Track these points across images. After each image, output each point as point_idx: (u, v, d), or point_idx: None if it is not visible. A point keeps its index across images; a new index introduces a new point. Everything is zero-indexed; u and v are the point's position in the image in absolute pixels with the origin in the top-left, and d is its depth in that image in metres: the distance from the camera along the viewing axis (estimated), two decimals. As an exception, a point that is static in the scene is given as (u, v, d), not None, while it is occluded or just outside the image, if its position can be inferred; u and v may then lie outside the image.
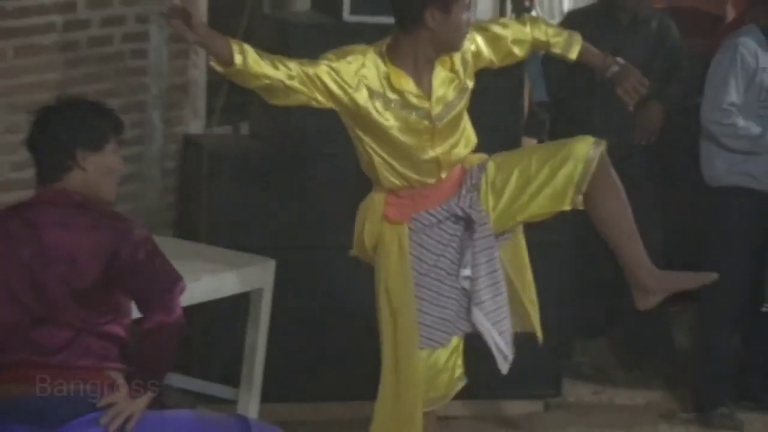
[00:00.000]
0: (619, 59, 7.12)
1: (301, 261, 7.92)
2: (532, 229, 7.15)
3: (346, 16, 8.42)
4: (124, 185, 6.74)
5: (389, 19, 7.76)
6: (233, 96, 8.97)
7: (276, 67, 6.20)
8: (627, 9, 8.99)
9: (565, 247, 7.56)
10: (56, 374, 5.58)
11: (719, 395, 8.56)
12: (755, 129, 8.31)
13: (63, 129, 5.77)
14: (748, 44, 8.30)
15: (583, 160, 6.63)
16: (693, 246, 9.07)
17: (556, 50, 6.97)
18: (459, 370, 6.85)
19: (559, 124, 8.44)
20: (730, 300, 8.55)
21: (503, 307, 6.88)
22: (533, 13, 9.92)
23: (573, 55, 6.97)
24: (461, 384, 6.93)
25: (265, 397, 7.86)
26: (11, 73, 7.83)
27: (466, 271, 6.71)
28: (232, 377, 7.88)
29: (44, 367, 5.59)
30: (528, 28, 6.83)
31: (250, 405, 7.74)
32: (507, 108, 8.55)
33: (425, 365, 6.69)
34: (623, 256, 6.83)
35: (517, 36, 6.81)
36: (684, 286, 7.03)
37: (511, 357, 6.90)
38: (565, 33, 6.95)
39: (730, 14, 8.74)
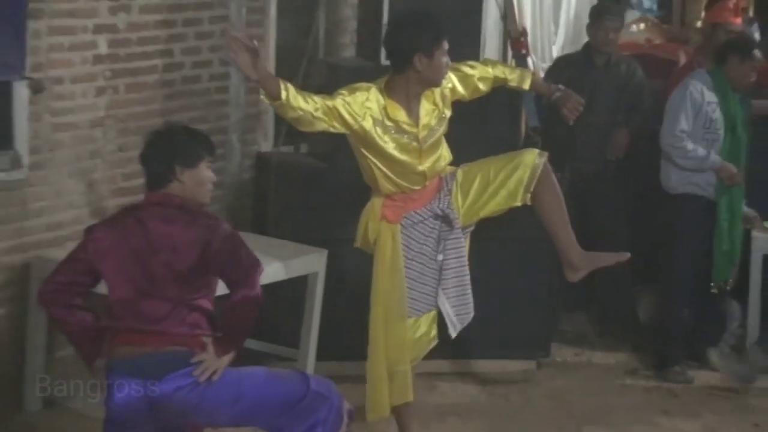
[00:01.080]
0: (561, 86, 7.28)
1: (348, 250, 7.84)
2: (527, 226, 7.39)
3: (383, 60, 8.12)
4: (221, 191, 6.79)
5: None
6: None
7: (306, 101, 6.31)
8: (602, 53, 8.98)
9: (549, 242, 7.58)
10: (159, 338, 5.68)
11: (674, 356, 8.57)
12: (701, 152, 8.29)
13: (165, 149, 5.84)
14: (696, 84, 8.30)
15: (530, 167, 6.80)
16: (653, 240, 9.15)
17: (513, 84, 7.15)
18: (433, 333, 6.95)
19: (548, 144, 8.42)
20: (684, 282, 8.60)
21: (466, 291, 7.02)
22: (529, 60, 9.92)
23: (526, 86, 7.20)
24: (434, 343, 7.05)
25: (319, 356, 7.93)
26: (122, 104, 7.88)
27: (440, 256, 6.86)
28: (293, 340, 7.95)
29: (149, 333, 5.68)
30: (490, 68, 7.07)
31: (308, 362, 7.83)
32: (508, 132, 8.47)
33: (411, 330, 6.83)
34: (558, 239, 7.01)
35: (482, 75, 7.01)
36: (603, 263, 7.12)
37: (459, 327, 7.04)
38: (518, 70, 7.28)
39: (682, 60, 8.72)
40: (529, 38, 10.06)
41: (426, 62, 6.56)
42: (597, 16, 9.36)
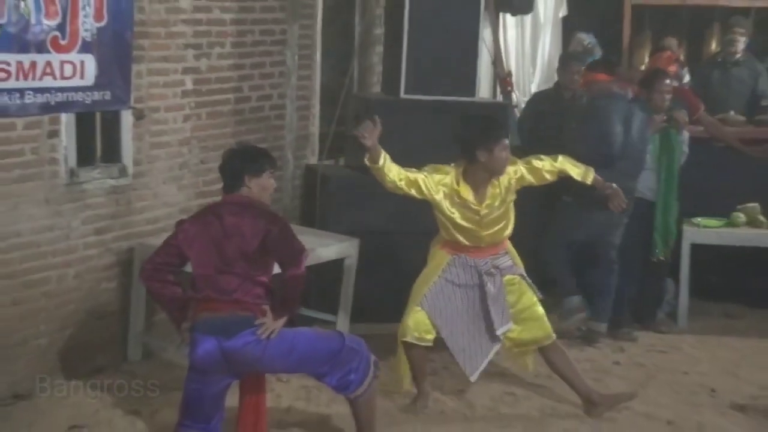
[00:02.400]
0: (613, 185, 7.13)
1: (374, 240, 7.94)
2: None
3: (402, 94, 8.37)
4: (278, 195, 6.82)
5: (429, 97, 8.30)
6: (334, 142, 8.95)
7: (394, 172, 6.40)
8: (568, 89, 8.85)
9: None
10: (231, 305, 5.72)
11: (622, 320, 8.43)
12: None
13: (237, 162, 5.88)
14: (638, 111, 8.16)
15: (545, 336, 6.83)
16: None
17: (578, 178, 6.92)
18: (429, 336, 6.70)
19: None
20: (631, 260, 8.41)
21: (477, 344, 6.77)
22: (513, 95, 9.84)
23: (588, 181, 6.96)
24: (428, 341, 6.73)
25: (353, 320, 7.92)
26: (203, 128, 7.91)
27: (490, 287, 6.72)
28: (333, 308, 7.91)
29: (224, 302, 5.72)
30: (558, 164, 6.80)
31: (344, 325, 7.82)
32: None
33: (418, 316, 6.69)
34: (577, 388, 6.83)
35: (549, 168, 6.78)
36: (620, 402, 6.89)
37: (472, 377, 6.78)
38: (583, 167, 6.94)
39: (632, 93, 8.69)
40: (513, 78, 10.04)
41: (487, 155, 6.48)
42: (564, 61, 9.32)
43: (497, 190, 6.64)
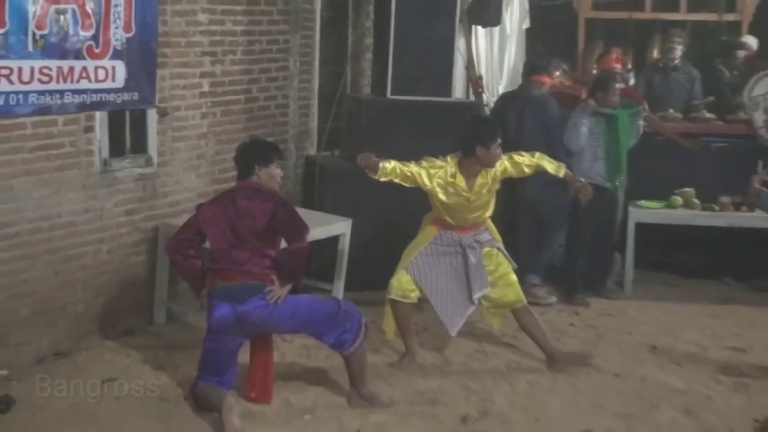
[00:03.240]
0: (582, 179, 7.18)
1: (364, 220, 7.92)
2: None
3: (389, 95, 8.37)
4: (283, 182, 6.80)
5: (414, 98, 8.31)
6: (331, 137, 8.92)
7: (391, 172, 6.48)
8: (528, 91, 8.66)
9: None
10: (243, 275, 5.75)
11: (576, 288, 8.47)
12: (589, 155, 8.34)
13: (248, 154, 5.92)
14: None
15: (517, 299, 6.85)
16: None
17: (552, 172, 6.88)
18: (412, 294, 6.72)
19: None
20: (584, 236, 8.45)
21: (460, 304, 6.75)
22: (483, 95, 9.76)
23: (561, 174, 6.95)
24: (412, 299, 6.76)
25: (347, 287, 7.89)
26: (218, 124, 7.87)
27: (472, 258, 6.72)
28: (330, 278, 7.88)
29: (237, 272, 5.75)
30: (536, 160, 6.80)
31: (339, 292, 7.79)
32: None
33: (403, 278, 6.70)
34: (543, 346, 6.86)
35: (527, 163, 6.77)
36: (579, 362, 6.90)
37: (452, 333, 6.79)
38: (556, 163, 6.94)
39: (584, 95, 8.64)
40: (484, 81, 9.98)
41: (484, 151, 6.51)
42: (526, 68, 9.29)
43: (486, 180, 6.64)
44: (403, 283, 6.69)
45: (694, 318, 8.17)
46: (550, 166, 6.88)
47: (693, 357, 7.18)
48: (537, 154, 6.88)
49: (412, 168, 6.53)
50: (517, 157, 6.77)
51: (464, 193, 6.59)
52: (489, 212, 6.81)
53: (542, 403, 6.25)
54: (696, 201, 8.79)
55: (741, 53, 10.67)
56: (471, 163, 6.57)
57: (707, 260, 9.16)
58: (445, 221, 6.70)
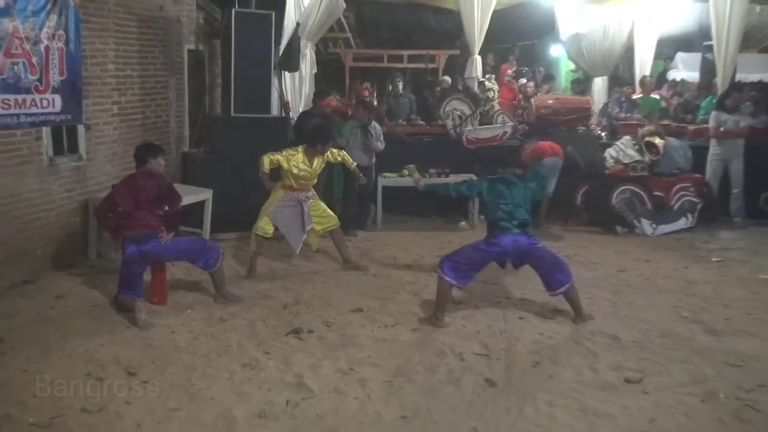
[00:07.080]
0: (361, 174, 7.02)
1: (221, 190, 7.68)
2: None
3: (233, 113, 8.10)
4: (166, 168, 6.59)
5: (248, 115, 7.95)
6: (196, 140, 8.66)
7: (265, 164, 6.35)
8: (318, 110, 8.29)
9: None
10: (143, 227, 5.57)
11: (349, 225, 8.02)
12: (355, 147, 8.15)
13: (143, 151, 5.72)
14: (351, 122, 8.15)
15: (333, 224, 6.79)
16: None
17: (347, 165, 6.92)
18: (269, 231, 6.56)
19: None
20: (353, 196, 8.27)
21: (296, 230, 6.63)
22: (290, 114, 9.25)
23: (352, 168, 6.96)
24: (268, 234, 6.54)
25: (211, 231, 7.66)
26: (124, 134, 7.54)
27: (306, 207, 6.61)
28: (199, 225, 7.61)
29: (138, 225, 5.57)
30: (341, 155, 6.85)
31: (206, 235, 7.55)
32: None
33: (262, 220, 6.55)
34: (345, 256, 6.88)
35: (338, 156, 6.80)
36: (356, 268, 6.86)
37: (297, 250, 6.66)
38: (350, 159, 6.94)
39: (350, 111, 8.64)
40: (290, 104, 9.82)
41: (321, 146, 6.52)
42: (315, 96, 8.86)
43: (320, 161, 6.63)
44: (263, 224, 6.62)
45: (417, 240, 8.31)
46: (347, 161, 6.92)
47: (416, 262, 7.36)
48: (343, 152, 6.97)
49: (278, 157, 6.46)
50: (336, 152, 6.80)
51: (308, 168, 6.57)
52: (315, 181, 6.79)
53: (332, 293, 6.29)
54: (415, 173, 8.74)
55: (439, 87, 11.15)
56: (313, 151, 6.56)
57: (424, 206, 9.24)
58: (291, 186, 6.61)
